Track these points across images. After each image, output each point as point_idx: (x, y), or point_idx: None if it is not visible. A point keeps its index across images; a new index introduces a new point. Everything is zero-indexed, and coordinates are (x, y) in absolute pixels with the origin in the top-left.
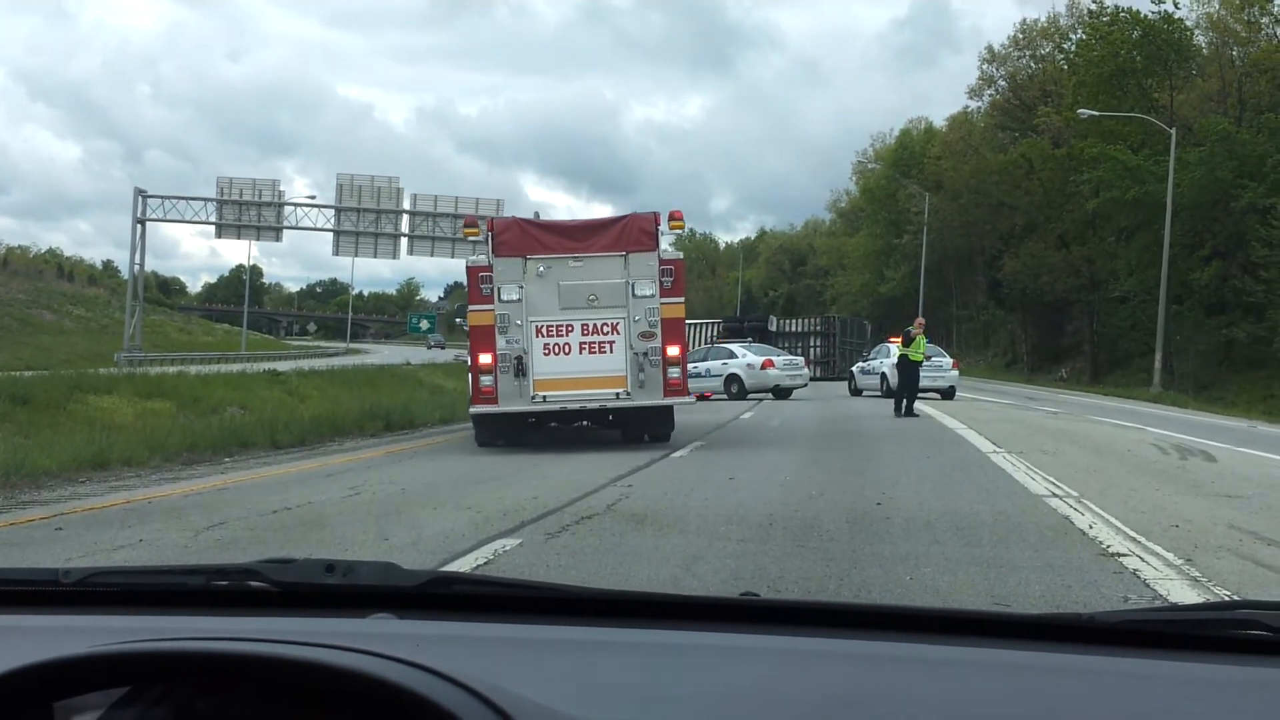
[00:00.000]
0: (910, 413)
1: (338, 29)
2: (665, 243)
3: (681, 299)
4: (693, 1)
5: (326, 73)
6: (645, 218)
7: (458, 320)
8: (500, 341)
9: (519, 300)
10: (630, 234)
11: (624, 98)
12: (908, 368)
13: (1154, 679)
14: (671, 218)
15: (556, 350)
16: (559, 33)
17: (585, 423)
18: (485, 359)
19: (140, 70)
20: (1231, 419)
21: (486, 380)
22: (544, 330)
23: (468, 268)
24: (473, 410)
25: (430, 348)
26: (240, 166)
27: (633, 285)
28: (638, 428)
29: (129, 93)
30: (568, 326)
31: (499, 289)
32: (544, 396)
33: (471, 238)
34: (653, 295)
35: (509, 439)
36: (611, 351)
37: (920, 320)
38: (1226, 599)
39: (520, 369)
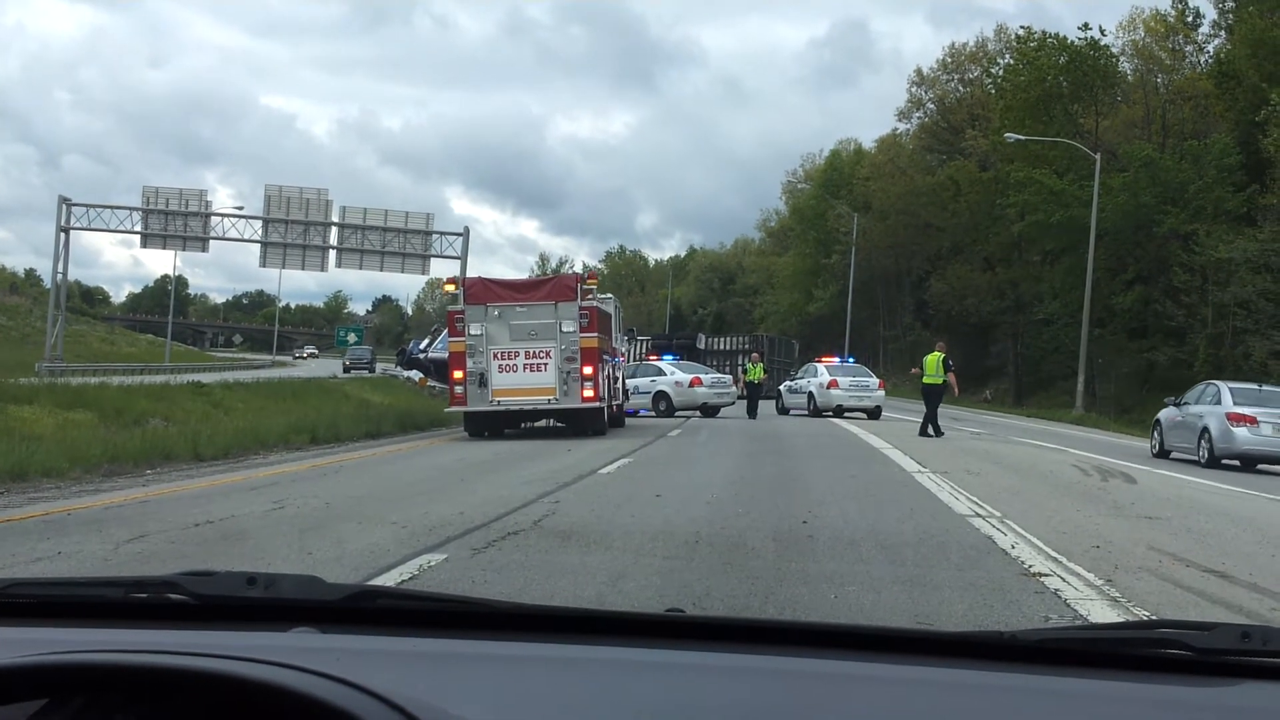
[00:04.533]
0: (926, 433)
1: (260, 38)
2: (594, 293)
3: (595, 334)
4: (613, 18)
5: (249, 82)
6: (569, 277)
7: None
8: (469, 363)
9: (481, 334)
10: (559, 289)
11: (549, 113)
12: (929, 391)
13: (1075, 697)
14: (589, 277)
15: (508, 369)
16: (481, 47)
17: (549, 421)
18: (458, 374)
19: (60, 75)
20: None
21: (459, 389)
22: (499, 355)
23: (448, 311)
24: (448, 409)
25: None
26: (162, 174)
27: (560, 324)
28: (580, 424)
29: (47, 98)
30: (515, 353)
31: (468, 326)
32: (499, 401)
33: (450, 290)
34: (574, 332)
35: (493, 432)
36: (545, 370)
37: (940, 343)
38: (1146, 619)
39: (482, 381)
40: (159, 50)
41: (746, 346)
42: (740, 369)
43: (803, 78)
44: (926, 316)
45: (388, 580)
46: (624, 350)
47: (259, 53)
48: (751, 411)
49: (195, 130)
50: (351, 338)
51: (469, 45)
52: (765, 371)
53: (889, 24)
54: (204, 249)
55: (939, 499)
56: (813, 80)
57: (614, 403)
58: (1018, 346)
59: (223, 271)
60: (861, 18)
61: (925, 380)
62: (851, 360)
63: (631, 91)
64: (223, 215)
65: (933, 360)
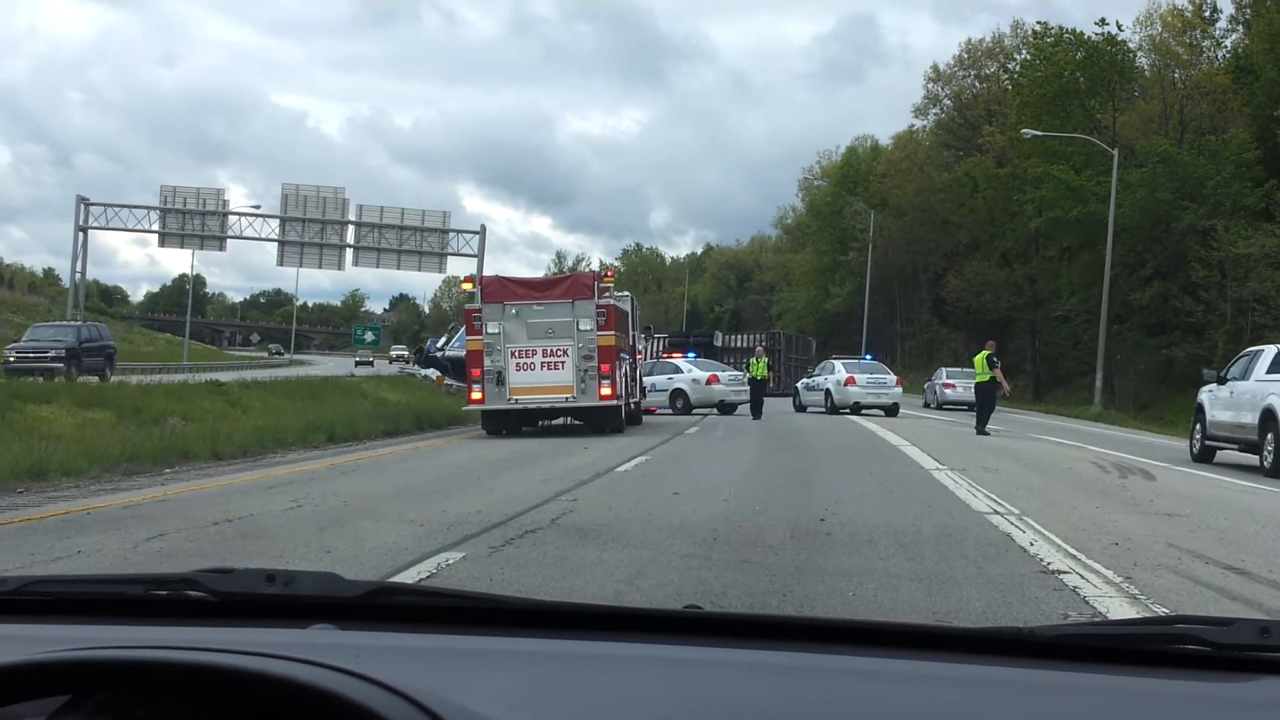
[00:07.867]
0: (984, 431)
1: (271, 36)
2: (611, 291)
3: (612, 332)
4: (620, 13)
5: (261, 80)
6: (586, 275)
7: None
8: (486, 361)
9: (499, 333)
10: (576, 287)
11: (559, 110)
12: (979, 389)
13: (1093, 692)
14: (606, 275)
15: (525, 367)
16: (490, 44)
17: (567, 419)
18: (476, 373)
19: (71, 75)
20: (1170, 438)
21: (477, 387)
22: (516, 353)
23: (465, 310)
24: (465, 408)
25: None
26: (174, 173)
27: (577, 322)
28: (597, 422)
29: (60, 98)
30: (533, 351)
31: (485, 325)
32: (516, 399)
33: (468, 288)
34: (591, 330)
35: (510, 430)
36: (563, 368)
37: (990, 342)
38: (1165, 615)
39: (500, 380)
40: (170, 49)
41: (764, 344)
42: (744, 365)
43: (811, 73)
44: (944, 313)
45: (406, 579)
46: (641, 348)
47: (270, 51)
48: (756, 411)
49: (207, 129)
50: (369, 335)
51: (478, 42)
52: (771, 368)
53: (896, 19)
54: (221, 248)
55: (957, 496)
56: (821, 76)
57: (631, 400)
58: (1035, 343)
59: (240, 270)
60: (868, 13)
61: (977, 380)
62: (869, 358)
63: (641, 88)
64: (240, 214)
65: (980, 359)
